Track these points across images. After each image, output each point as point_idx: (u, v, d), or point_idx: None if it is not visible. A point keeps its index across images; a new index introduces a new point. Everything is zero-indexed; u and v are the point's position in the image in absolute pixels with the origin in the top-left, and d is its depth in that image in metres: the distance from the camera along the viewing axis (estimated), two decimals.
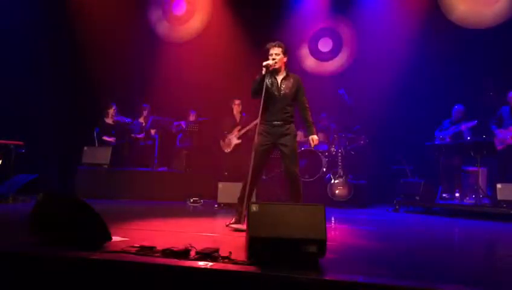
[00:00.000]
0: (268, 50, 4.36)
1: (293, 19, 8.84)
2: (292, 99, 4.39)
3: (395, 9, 8.01)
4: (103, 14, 8.45)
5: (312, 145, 4.52)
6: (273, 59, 4.31)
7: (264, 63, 4.26)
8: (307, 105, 4.48)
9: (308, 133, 4.53)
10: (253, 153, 4.28)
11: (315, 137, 4.47)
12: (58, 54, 8.38)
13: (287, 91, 4.34)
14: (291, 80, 4.38)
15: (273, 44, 4.36)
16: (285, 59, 4.40)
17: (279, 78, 4.38)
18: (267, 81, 4.29)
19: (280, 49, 4.34)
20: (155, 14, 9.50)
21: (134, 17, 8.98)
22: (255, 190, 4.29)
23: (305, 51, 9.14)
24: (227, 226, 4.20)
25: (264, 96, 4.23)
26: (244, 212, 4.24)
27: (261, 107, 4.27)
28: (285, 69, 4.43)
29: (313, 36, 9.15)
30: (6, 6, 7.94)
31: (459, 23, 7.83)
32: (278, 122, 4.32)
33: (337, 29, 8.98)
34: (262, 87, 4.21)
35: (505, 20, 7.47)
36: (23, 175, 6.55)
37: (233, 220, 4.30)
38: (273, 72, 4.37)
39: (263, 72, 4.25)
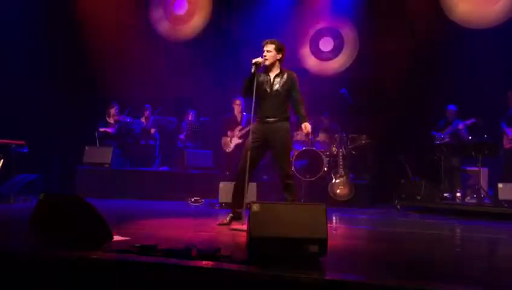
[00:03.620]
0: (263, 47, 4.28)
1: (294, 18, 8.83)
2: (285, 96, 4.28)
3: (396, 8, 7.98)
4: (104, 13, 8.45)
5: (305, 131, 4.30)
6: (264, 56, 4.23)
7: (253, 61, 4.20)
8: (302, 101, 4.34)
9: (300, 121, 4.34)
10: (244, 151, 4.26)
11: (308, 124, 4.28)
12: (59, 53, 8.37)
13: (279, 88, 4.24)
14: (285, 77, 4.27)
15: (267, 41, 4.27)
16: (278, 56, 4.28)
17: (272, 75, 4.29)
18: (260, 78, 4.22)
19: (273, 46, 4.24)
20: (156, 14, 9.51)
21: (135, 17, 8.98)
22: (247, 188, 4.18)
23: (306, 51, 9.12)
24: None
25: (257, 93, 4.16)
26: (239, 211, 4.24)
27: (253, 105, 4.21)
28: (279, 65, 4.31)
29: (314, 36, 9.13)
30: (7, 7, 7.94)
31: (460, 22, 7.81)
32: (270, 119, 4.24)
33: (339, 28, 8.97)
34: (253, 85, 4.14)
35: (507, 20, 7.45)
36: (24, 175, 6.54)
37: (229, 220, 4.28)
38: (266, 69, 4.30)
39: (252, 69, 4.19)
